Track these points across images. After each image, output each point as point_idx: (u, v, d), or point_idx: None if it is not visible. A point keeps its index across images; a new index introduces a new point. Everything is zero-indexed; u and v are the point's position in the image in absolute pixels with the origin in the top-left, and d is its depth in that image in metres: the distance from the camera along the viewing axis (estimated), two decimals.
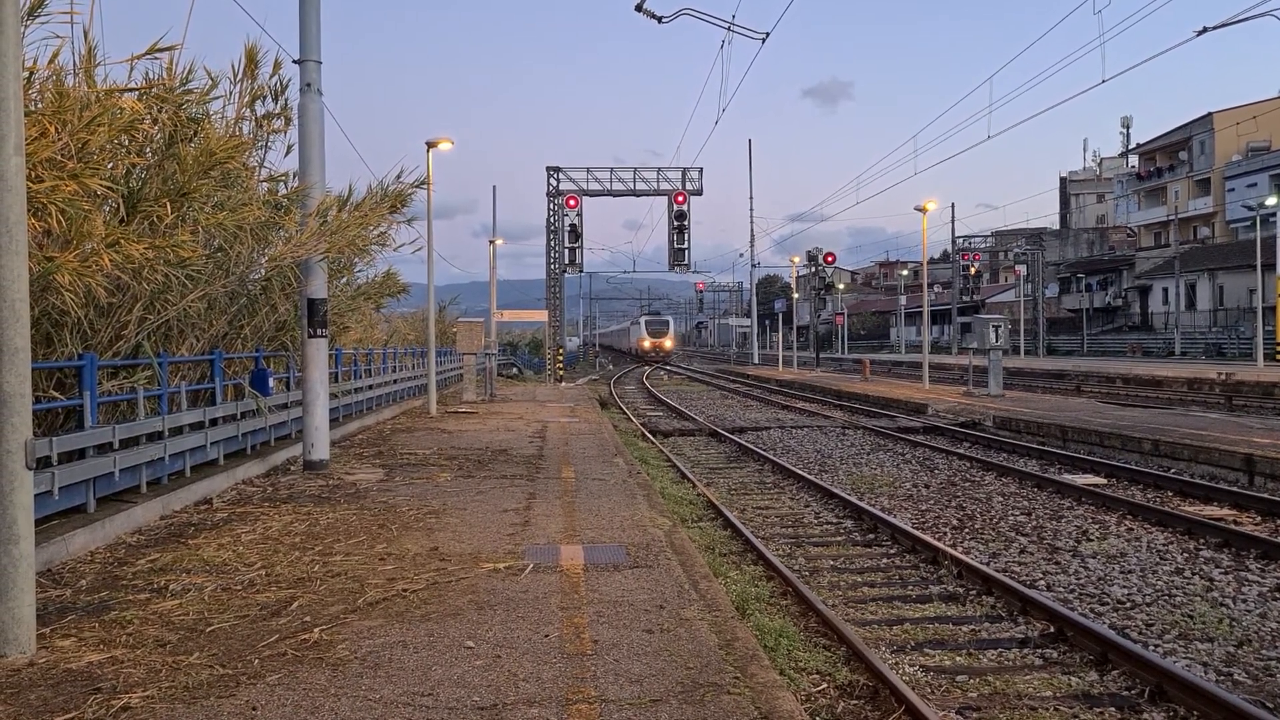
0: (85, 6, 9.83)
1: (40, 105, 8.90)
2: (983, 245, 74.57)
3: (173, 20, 12.58)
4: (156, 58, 10.66)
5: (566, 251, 41.32)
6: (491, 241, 42.39)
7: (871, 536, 10.64)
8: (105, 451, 9.31)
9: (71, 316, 9.53)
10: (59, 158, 8.20)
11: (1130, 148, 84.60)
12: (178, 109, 10.86)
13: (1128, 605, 7.97)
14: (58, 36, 9.38)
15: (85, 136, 8.63)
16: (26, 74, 8.95)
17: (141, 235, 9.61)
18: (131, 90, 10.14)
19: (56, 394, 9.54)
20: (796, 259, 60.42)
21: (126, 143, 10.20)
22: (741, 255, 71.42)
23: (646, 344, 73.95)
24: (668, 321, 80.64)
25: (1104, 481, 14.01)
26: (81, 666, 5.33)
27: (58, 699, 4.86)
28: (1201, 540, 10.21)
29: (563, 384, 40.68)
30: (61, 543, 7.90)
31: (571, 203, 40.86)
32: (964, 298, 69.15)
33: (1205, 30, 19.01)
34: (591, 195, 41.75)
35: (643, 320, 78.67)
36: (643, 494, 11.24)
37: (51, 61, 9.42)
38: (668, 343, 75.52)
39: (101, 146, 9.06)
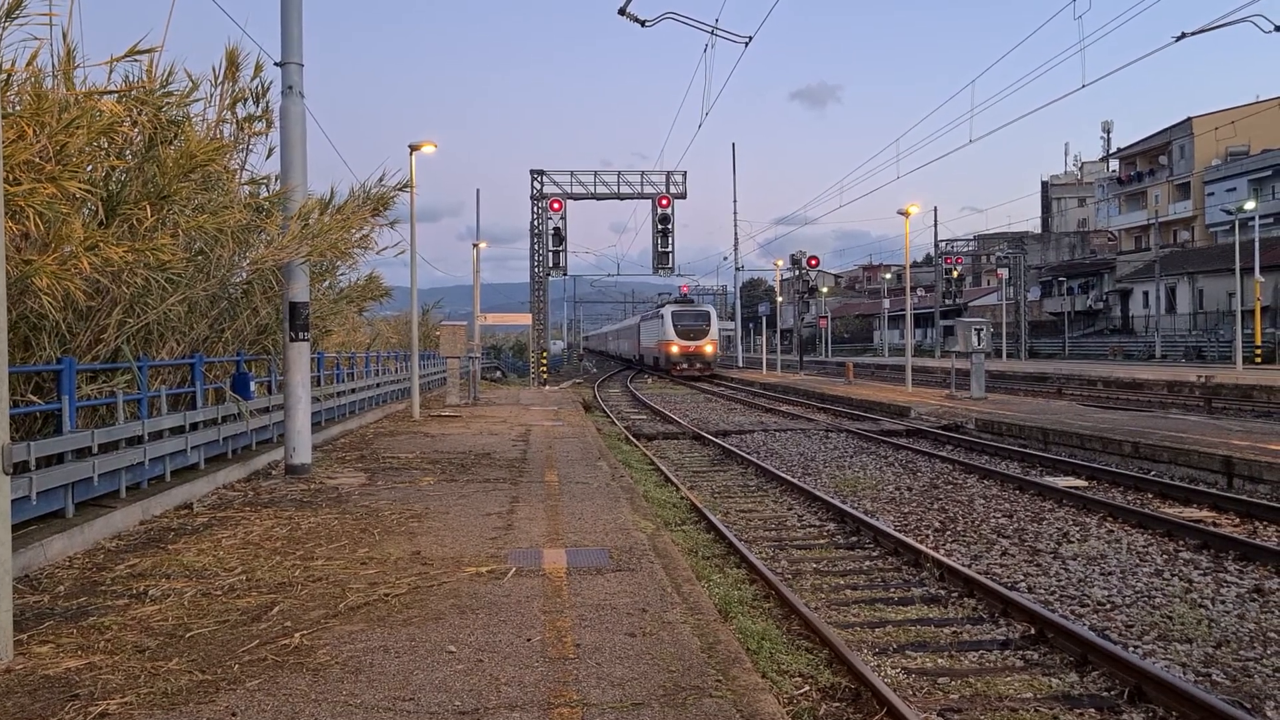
0: (64, 8, 9.73)
1: (18, 107, 8.83)
2: (965, 249, 74.93)
3: (153, 22, 12.52)
4: (136, 60, 10.61)
5: (550, 255, 41.27)
6: (475, 244, 42.34)
7: (854, 539, 10.67)
8: (84, 456, 9.24)
9: (50, 320, 9.47)
10: (37, 160, 8.14)
11: (1111, 152, 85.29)
12: (158, 111, 10.79)
13: (1108, 607, 8.02)
14: (36, 39, 9.30)
15: (64, 139, 8.57)
16: (4, 76, 8.89)
17: (121, 238, 9.55)
18: (111, 92, 10.07)
19: (34, 398, 9.47)
20: (780, 262, 60.54)
21: (106, 145, 10.14)
22: (726, 258, 71.00)
23: (675, 349, 48.81)
24: (708, 313, 51.90)
25: (1085, 484, 14.09)
26: (59, 673, 5.29)
27: (35, 705, 4.81)
28: (1181, 542, 10.28)
29: (546, 387, 40.61)
30: (39, 548, 7.83)
31: (555, 206, 40.82)
32: (947, 301, 69.50)
33: (1184, 36, 19.17)
34: (576, 198, 41.73)
35: (668, 312, 50.80)
36: (626, 497, 11.24)
37: (30, 63, 9.35)
38: (708, 347, 49.58)
39: (80, 149, 8.99)
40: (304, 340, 13.12)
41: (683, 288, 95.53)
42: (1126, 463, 15.75)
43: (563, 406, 27.28)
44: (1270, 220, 54.95)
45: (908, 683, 6.33)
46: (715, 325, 51.35)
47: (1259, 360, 42.62)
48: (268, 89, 13.98)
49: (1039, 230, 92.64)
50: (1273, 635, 7.18)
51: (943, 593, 8.41)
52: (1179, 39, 19.07)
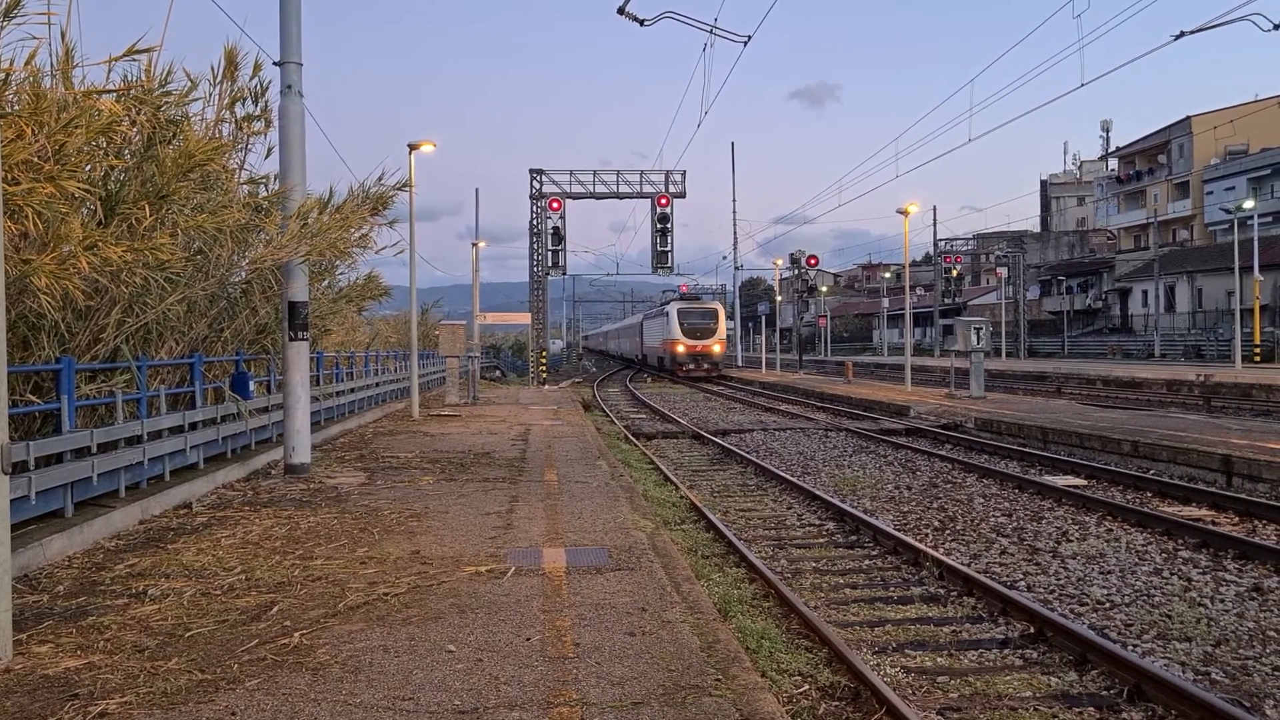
0: (62, 7, 9.72)
1: (17, 107, 8.82)
2: (965, 248, 74.90)
3: (151, 22, 12.50)
4: (135, 59, 10.60)
5: (550, 254, 41.24)
6: (475, 244, 42.32)
7: (854, 538, 10.67)
8: (83, 456, 9.23)
9: (49, 320, 9.46)
10: (36, 160, 8.13)
11: (1110, 151, 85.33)
12: (156, 111, 10.79)
13: (1107, 605, 8.02)
14: (34, 38, 9.29)
15: (62, 138, 8.56)
16: (3, 75, 8.88)
17: (120, 238, 9.55)
18: (110, 92, 10.06)
19: (33, 398, 9.47)
20: (780, 261, 60.47)
21: (104, 145, 10.12)
22: (725, 258, 71.02)
23: (681, 348, 46.63)
24: (715, 311, 48.73)
25: (1084, 483, 14.09)
26: (59, 672, 5.28)
27: (34, 705, 4.81)
28: (1180, 541, 10.29)
29: (546, 387, 40.61)
30: (39, 548, 7.83)
31: (554, 205, 40.81)
32: (946, 300, 69.50)
33: (1183, 34, 19.16)
34: (575, 198, 41.72)
35: (673, 310, 48.18)
36: (625, 496, 11.24)
37: (28, 63, 9.33)
38: (716, 347, 47.37)
39: (79, 148, 8.99)
40: (303, 340, 13.11)
41: (682, 286, 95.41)
42: (1126, 461, 15.76)
43: (562, 406, 27.28)
44: (1269, 219, 54.97)
45: (907, 681, 6.33)
46: (723, 323, 48.73)
47: (1258, 359, 42.64)
48: (266, 88, 13.99)
49: (1038, 229, 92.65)
50: (1272, 634, 7.18)
51: (942, 592, 8.41)
52: (1178, 38, 19.06)
